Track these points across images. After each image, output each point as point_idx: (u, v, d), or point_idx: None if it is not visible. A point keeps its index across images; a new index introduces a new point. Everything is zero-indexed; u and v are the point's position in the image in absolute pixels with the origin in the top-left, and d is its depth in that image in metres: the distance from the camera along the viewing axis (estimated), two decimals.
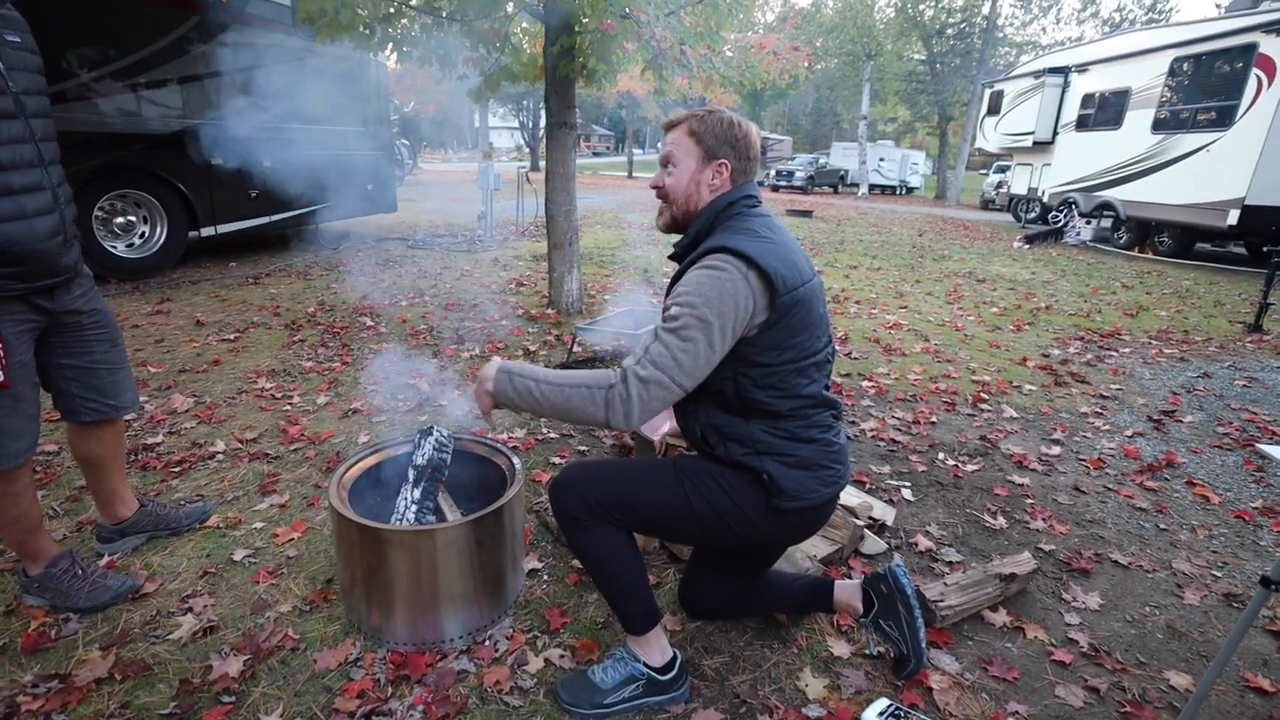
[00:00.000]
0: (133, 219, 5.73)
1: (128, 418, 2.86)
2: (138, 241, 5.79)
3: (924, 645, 1.59)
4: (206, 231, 6.19)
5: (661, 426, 2.27)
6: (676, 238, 1.53)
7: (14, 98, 1.54)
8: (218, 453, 2.73)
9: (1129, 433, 3.35)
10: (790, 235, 1.44)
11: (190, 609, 1.81)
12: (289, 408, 3.22)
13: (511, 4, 4.38)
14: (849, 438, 3.08)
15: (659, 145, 1.64)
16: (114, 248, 5.60)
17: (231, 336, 4.29)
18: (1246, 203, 8.18)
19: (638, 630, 1.52)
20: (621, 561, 1.46)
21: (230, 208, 6.35)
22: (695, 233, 1.44)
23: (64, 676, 1.56)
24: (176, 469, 2.59)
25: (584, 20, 4.00)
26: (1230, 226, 8.44)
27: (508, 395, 1.34)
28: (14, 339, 1.59)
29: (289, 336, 4.35)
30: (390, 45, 4.26)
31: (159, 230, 5.85)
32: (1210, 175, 8.73)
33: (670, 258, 1.52)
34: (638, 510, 1.42)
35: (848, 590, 1.70)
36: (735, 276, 1.28)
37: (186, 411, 3.12)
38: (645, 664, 1.51)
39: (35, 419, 1.69)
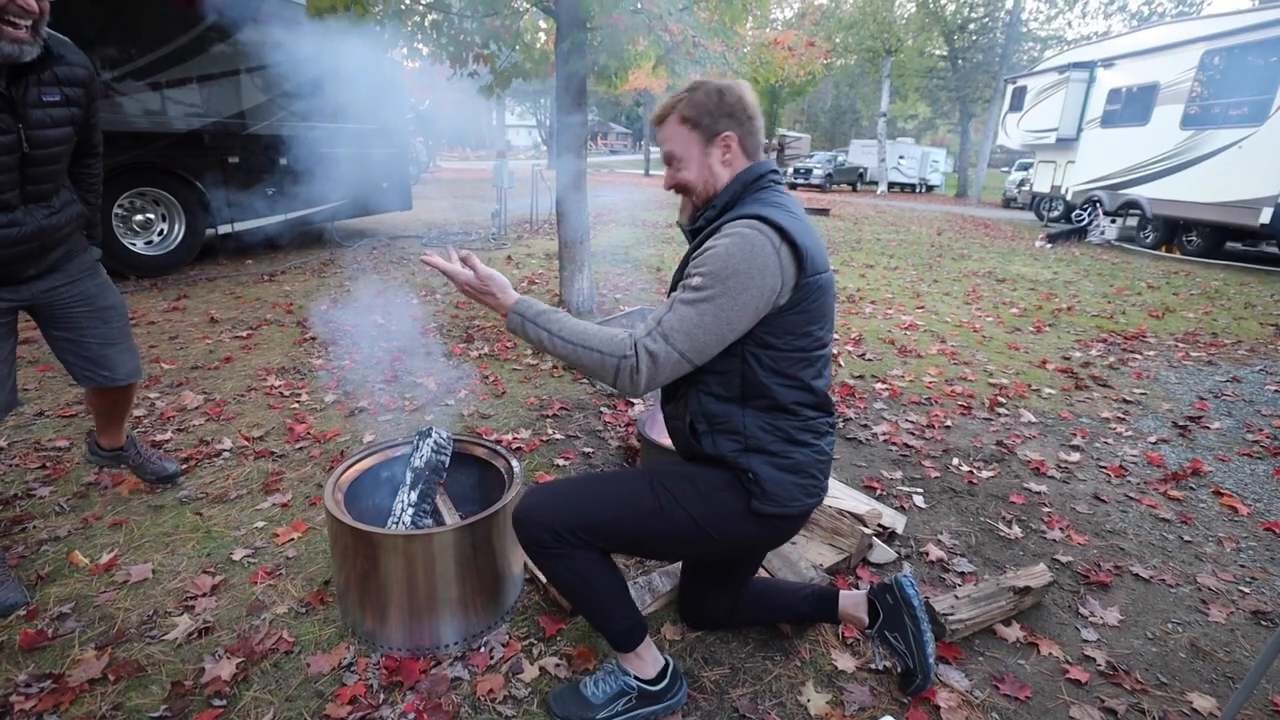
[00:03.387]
0: (151, 216, 5.80)
1: (139, 415, 2.90)
2: (156, 239, 5.86)
3: (931, 660, 1.53)
4: (224, 229, 6.26)
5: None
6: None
7: (21, 155, 1.65)
8: (224, 450, 2.73)
9: (1153, 439, 3.24)
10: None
11: (187, 609, 1.81)
12: (297, 405, 3.22)
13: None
14: (860, 441, 3.03)
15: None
16: (133, 245, 5.67)
17: (244, 334, 4.31)
18: None
19: (625, 648, 1.47)
20: (599, 584, 1.40)
21: (247, 206, 6.40)
22: (722, 204, 1.33)
23: (58, 676, 1.55)
24: (183, 466, 2.59)
25: (594, 15, 3.95)
26: (1263, 225, 8.19)
27: (517, 334, 1.30)
28: None
29: (300, 334, 4.37)
30: (401, 42, 4.25)
31: (177, 228, 5.92)
32: (1242, 172, 8.49)
33: (691, 232, 1.40)
34: (610, 531, 1.35)
35: (853, 601, 1.64)
36: (767, 249, 1.20)
37: (196, 408, 3.14)
38: (636, 677, 1.47)
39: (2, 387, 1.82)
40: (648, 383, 1.23)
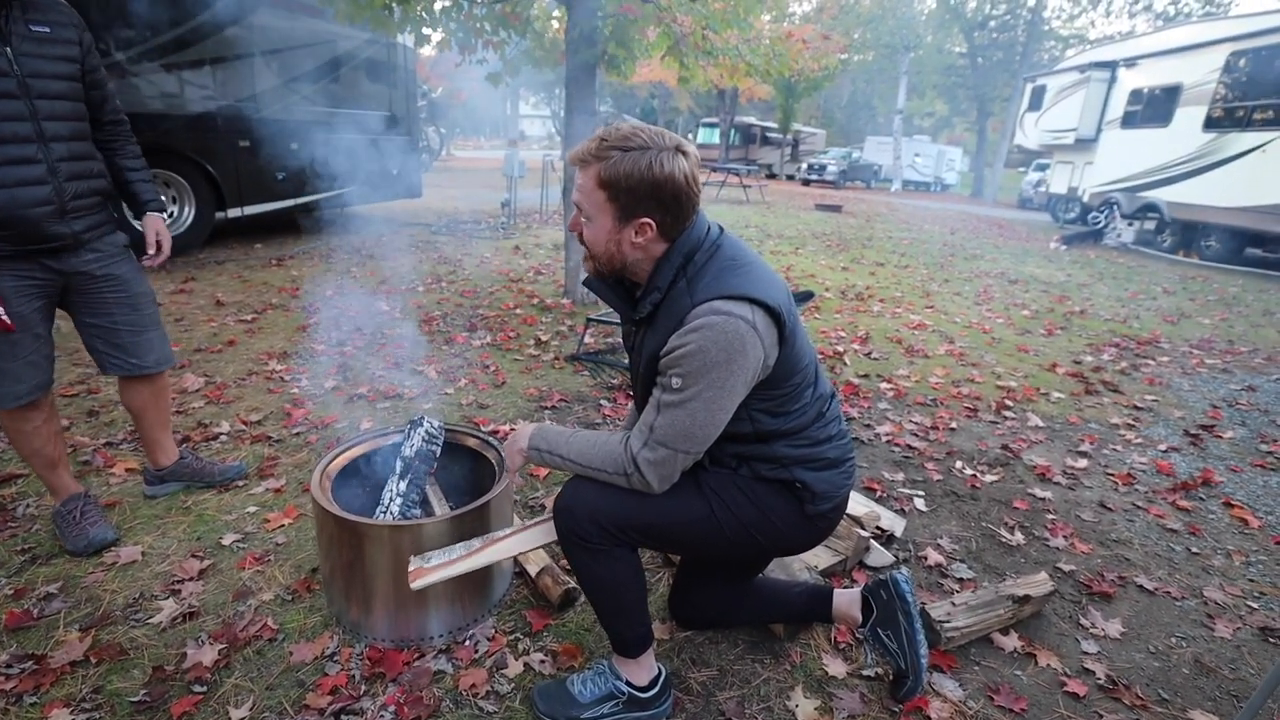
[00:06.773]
0: (161, 198, 5.81)
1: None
2: (165, 220, 5.86)
3: (924, 661, 1.49)
4: (233, 213, 6.25)
5: None
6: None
7: (18, 80, 1.65)
8: (221, 434, 2.73)
9: (1163, 447, 3.17)
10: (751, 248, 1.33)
11: (174, 592, 1.79)
12: (296, 391, 3.21)
13: None
14: (862, 441, 2.98)
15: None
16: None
17: (249, 317, 4.31)
18: None
19: (630, 653, 1.44)
20: (627, 586, 1.37)
21: (257, 189, 6.40)
22: (666, 286, 1.24)
23: (40, 658, 1.54)
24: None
25: (605, 3, 3.90)
26: None
27: (541, 463, 1.38)
28: (11, 292, 1.70)
29: (305, 319, 4.36)
30: (410, 27, 4.21)
31: (187, 210, 5.93)
32: (1265, 176, 8.33)
33: (638, 321, 1.32)
34: (658, 531, 1.32)
35: (847, 598, 1.61)
36: (741, 329, 1.14)
37: (196, 391, 3.13)
38: (628, 682, 1.44)
39: (38, 367, 1.81)
40: (661, 484, 1.26)
